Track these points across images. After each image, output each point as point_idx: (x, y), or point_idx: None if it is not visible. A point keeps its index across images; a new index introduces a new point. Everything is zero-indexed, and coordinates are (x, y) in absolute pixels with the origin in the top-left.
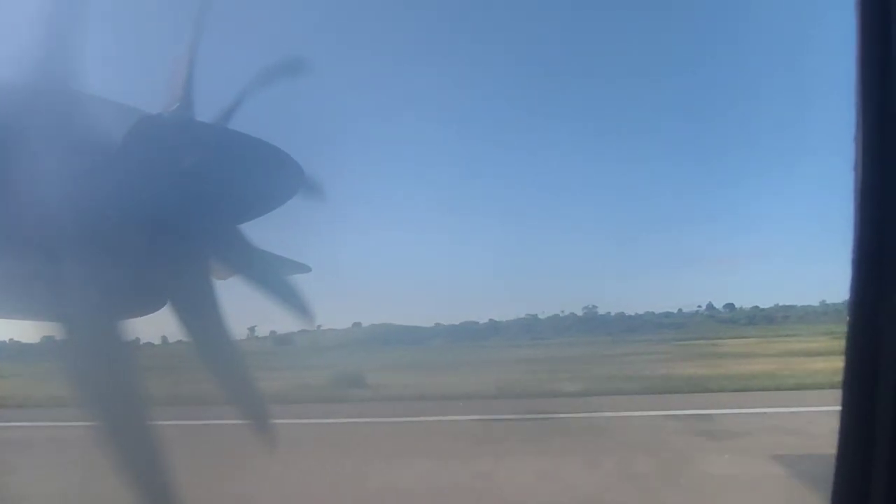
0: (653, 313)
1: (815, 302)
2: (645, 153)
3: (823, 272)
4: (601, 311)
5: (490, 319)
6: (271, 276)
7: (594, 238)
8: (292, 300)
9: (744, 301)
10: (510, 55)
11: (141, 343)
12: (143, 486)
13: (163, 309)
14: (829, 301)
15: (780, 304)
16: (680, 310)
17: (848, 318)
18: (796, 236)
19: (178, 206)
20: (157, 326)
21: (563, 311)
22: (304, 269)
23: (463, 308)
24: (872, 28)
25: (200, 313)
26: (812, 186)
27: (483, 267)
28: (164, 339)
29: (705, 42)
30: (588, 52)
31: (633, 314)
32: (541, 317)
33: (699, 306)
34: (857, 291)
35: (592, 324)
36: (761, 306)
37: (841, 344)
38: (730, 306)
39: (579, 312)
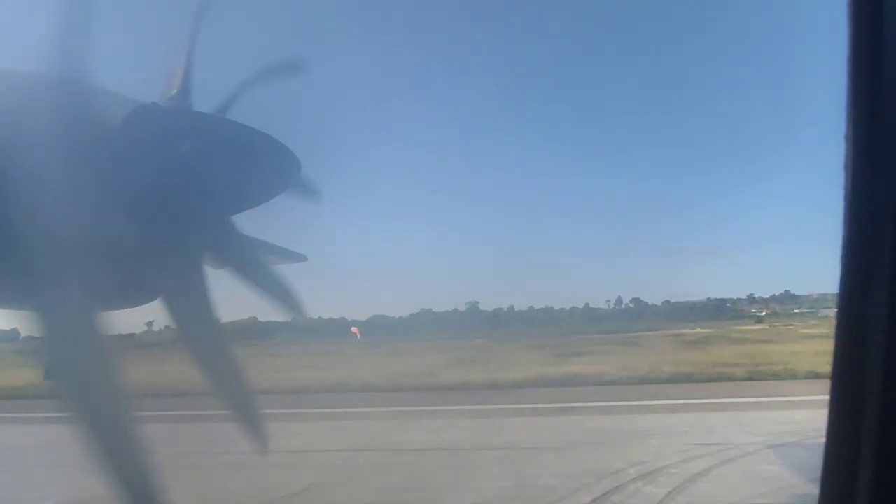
0: (552, 308)
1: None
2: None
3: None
4: (483, 306)
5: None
6: (264, 267)
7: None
8: (284, 293)
9: (670, 296)
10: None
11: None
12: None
13: (153, 299)
14: (757, 295)
15: (714, 297)
16: (587, 304)
17: (836, 311)
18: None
19: (171, 196)
20: (147, 316)
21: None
22: (299, 258)
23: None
24: (865, 26)
25: (192, 305)
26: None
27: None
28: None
29: (697, 34)
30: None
31: (510, 308)
32: (435, 311)
33: (608, 301)
34: (845, 285)
35: (468, 319)
36: (672, 300)
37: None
38: (636, 300)
39: (462, 308)
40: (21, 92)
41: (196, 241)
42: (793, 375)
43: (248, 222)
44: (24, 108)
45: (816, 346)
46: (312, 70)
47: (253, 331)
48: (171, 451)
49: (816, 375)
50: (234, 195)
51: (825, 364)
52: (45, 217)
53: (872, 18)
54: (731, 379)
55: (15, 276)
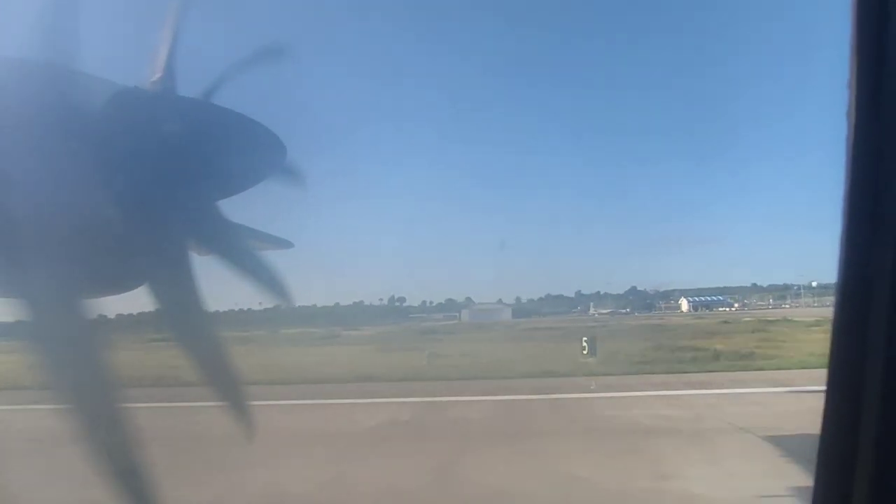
0: (364, 303)
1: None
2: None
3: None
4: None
5: None
6: (250, 252)
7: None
8: (269, 279)
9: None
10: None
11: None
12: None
13: (139, 286)
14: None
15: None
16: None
17: (834, 303)
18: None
19: (156, 181)
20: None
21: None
22: (285, 244)
23: None
24: (868, 26)
25: (178, 291)
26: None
27: None
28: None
29: (700, 28)
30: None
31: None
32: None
33: (381, 299)
34: (844, 277)
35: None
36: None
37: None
38: (401, 299)
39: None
40: (2, 76)
41: (182, 226)
42: None
43: (235, 208)
44: (5, 93)
45: None
46: (302, 56)
47: None
48: None
49: None
50: (219, 180)
51: None
52: (28, 203)
53: (876, 14)
54: None
55: None
